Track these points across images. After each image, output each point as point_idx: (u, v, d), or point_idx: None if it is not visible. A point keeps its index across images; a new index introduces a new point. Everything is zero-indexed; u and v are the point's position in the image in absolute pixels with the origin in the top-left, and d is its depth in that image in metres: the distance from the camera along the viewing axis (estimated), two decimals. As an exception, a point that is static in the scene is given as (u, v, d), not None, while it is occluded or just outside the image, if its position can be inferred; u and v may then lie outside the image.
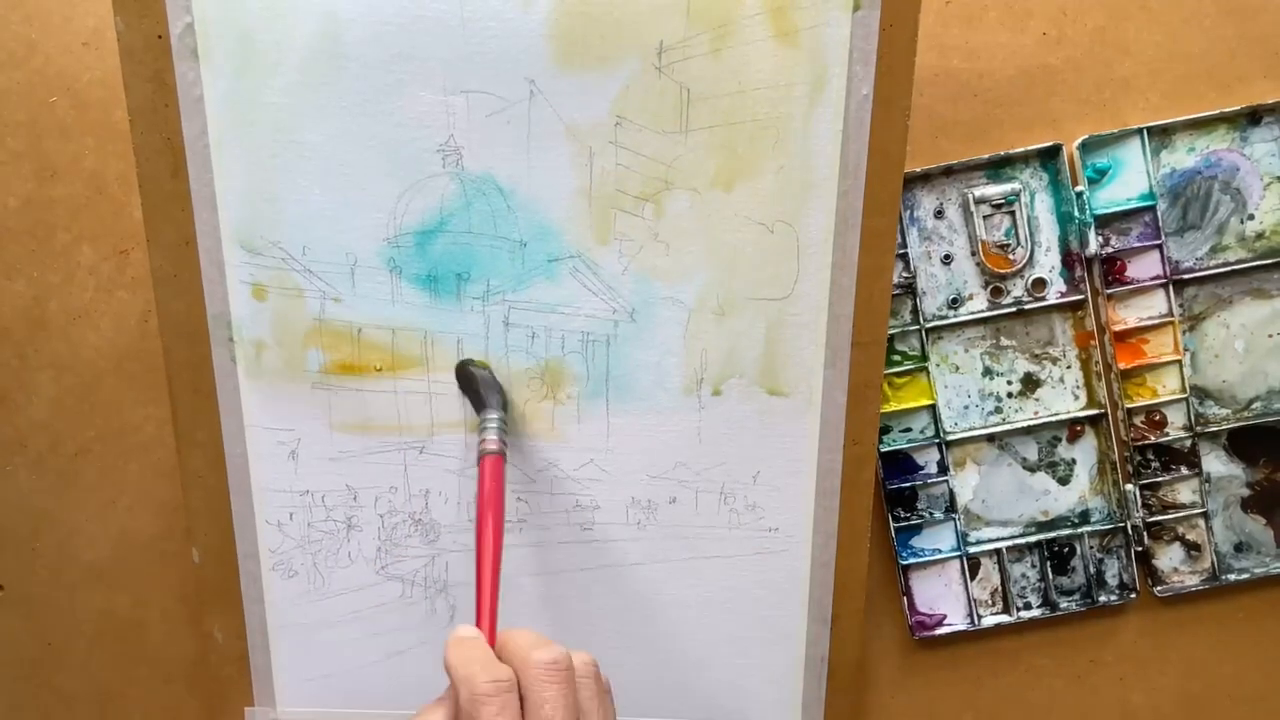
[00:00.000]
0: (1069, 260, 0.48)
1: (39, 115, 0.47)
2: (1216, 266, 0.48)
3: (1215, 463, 0.50)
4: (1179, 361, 0.48)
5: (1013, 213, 0.47)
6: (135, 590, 0.52)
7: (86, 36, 0.47)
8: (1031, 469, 0.50)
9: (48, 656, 0.53)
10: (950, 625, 0.50)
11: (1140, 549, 0.50)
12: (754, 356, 0.43)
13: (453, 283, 0.42)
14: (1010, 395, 0.49)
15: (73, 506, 0.51)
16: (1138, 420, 0.49)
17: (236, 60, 0.40)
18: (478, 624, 0.33)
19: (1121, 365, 0.48)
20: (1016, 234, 0.47)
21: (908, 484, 0.49)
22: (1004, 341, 0.49)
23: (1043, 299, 0.48)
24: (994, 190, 0.47)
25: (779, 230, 0.41)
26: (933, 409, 0.49)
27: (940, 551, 0.50)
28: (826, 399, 0.43)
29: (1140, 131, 0.47)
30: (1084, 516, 0.50)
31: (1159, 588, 0.50)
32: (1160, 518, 0.50)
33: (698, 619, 0.46)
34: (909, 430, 0.49)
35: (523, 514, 0.45)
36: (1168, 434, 0.49)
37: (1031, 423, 0.49)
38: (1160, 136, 0.47)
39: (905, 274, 0.47)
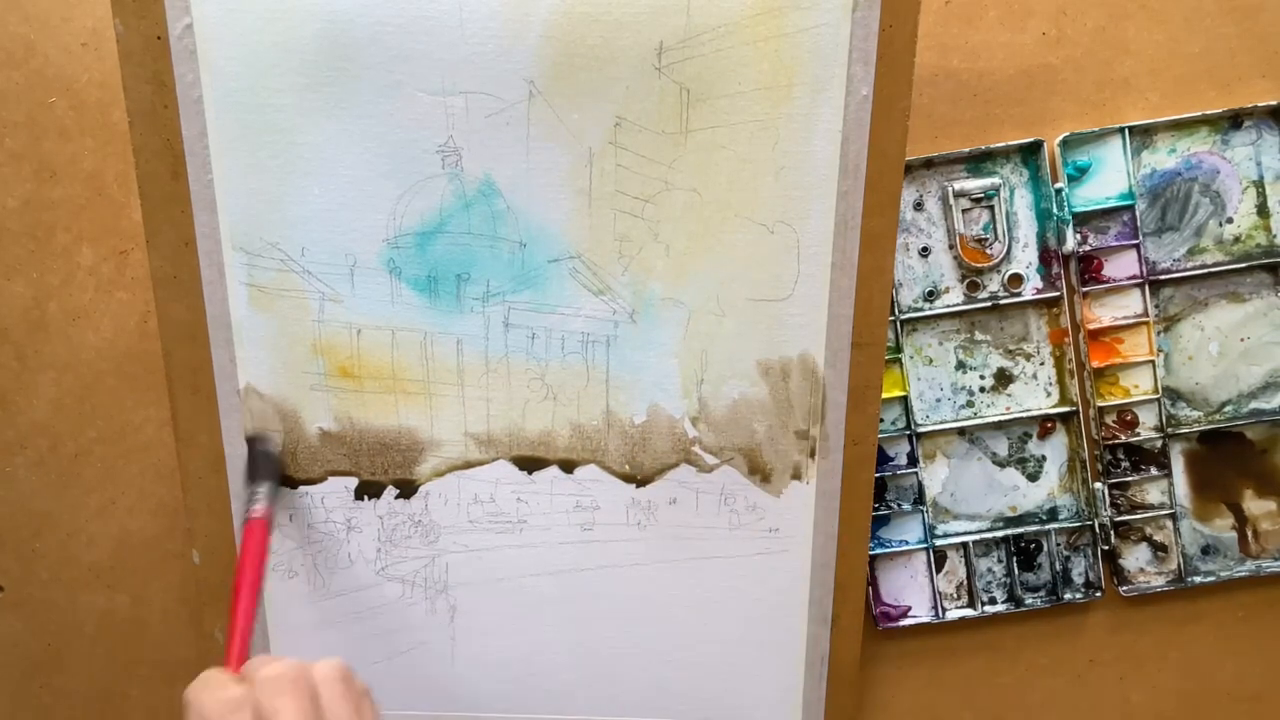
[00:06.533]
0: (1046, 257, 0.48)
1: (38, 116, 0.47)
2: (1193, 268, 0.48)
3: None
4: (1152, 362, 0.48)
5: (992, 207, 0.47)
6: (135, 591, 0.52)
7: (85, 37, 0.47)
8: (1001, 464, 0.50)
9: (48, 657, 0.53)
10: (914, 617, 0.51)
11: (1107, 548, 0.50)
12: (754, 358, 0.43)
13: (452, 284, 0.42)
14: (983, 390, 0.49)
15: (73, 507, 0.51)
16: (1109, 419, 0.49)
17: (236, 62, 0.40)
18: (226, 665, 0.34)
19: (1095, 364, 0.48)
20: (995, 229, 0.47)
21: (877, 475, 0.49)
22: (978, 336, 0.49)
23: (1019, 295, 0.48)
24: (974, 184, 0.47)
25: (779, 231, 0.41)
26: (905, 400, 0.49)
27: (907, 543, 0.50)
28: (827, 400, 0.43)
29: (1122, 131, 0.47)
30: (1052, 513, 0.50)
31: (1125, 587, 0.50)
32: (1128, 517, 0.50)
33: (698, 619, 0.46)
34: (880, 421, 0.49)
35: (523, 514, 0.45)
36: (1139, 434, 0.49)
37: (1003, 418, 0.49)
38: (1142, 136, 0.47)
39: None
